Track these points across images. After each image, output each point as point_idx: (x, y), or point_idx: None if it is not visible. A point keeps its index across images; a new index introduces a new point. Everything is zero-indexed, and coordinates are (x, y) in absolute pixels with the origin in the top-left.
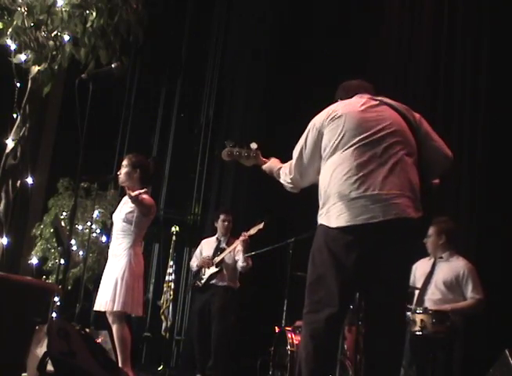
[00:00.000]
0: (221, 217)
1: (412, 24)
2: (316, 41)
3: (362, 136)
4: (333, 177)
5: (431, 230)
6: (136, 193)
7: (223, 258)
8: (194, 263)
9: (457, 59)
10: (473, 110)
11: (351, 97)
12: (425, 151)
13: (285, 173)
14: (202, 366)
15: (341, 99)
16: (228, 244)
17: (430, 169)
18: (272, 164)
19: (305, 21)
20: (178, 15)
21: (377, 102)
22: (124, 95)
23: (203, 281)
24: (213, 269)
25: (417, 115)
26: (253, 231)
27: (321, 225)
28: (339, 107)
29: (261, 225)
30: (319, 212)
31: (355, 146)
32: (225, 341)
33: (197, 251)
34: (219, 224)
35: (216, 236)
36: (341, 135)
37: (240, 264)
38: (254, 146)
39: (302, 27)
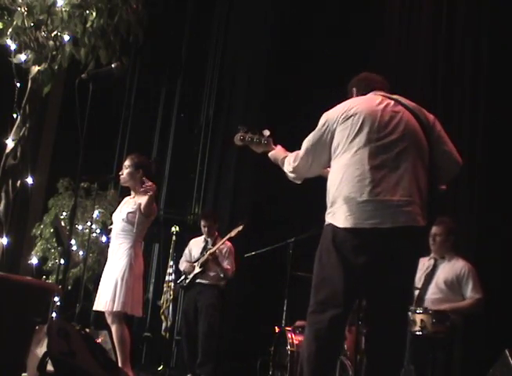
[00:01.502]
0: (202, 222)
1: (412, 24)
2: (316, 41)
3: (376, 137)
4: (345, 177)
5: (439, 230)
6: (149, 183)
7: (208, 259)
8: (182, 263)
9: (457, 59)
10: (473, 110)
11: (366, 93)
12: (436, 155)
13: (289, 162)
14: (190, 366)
15: (356, 92)
16: (215, 243)
17: (439, 174)
18: (277, 152)
19: (305, 21)
20: (178, 15)
21: (393, 102)
22: (124, 95)
23: (187, 280)
24: (197, 269)
25: (431, 117)
26: (233, 233)
27: (329, 224)
28: (355, 105)
29: (240, 228)
30: (328, 211)
31: (368, 148)
32: (211, 339)
33: (186, 251)
34: (202, 228)
35: (203, 236)
36: (355, 135)
37: (220, 274)
38: (266, 133)
39: (302, 27)
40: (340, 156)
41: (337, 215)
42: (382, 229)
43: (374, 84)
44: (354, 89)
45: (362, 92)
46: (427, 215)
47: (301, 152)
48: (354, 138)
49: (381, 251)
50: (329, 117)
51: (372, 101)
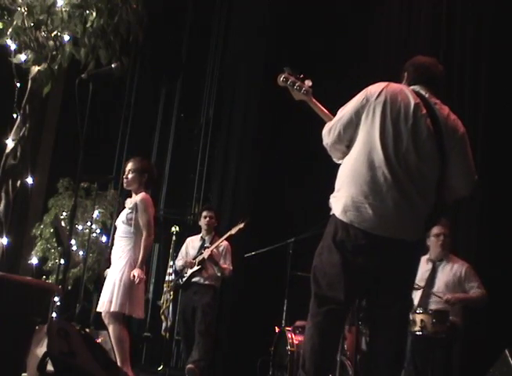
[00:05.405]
0: (204, 213)
1: (412, 24)
2: (316, 41)
3: (397, 148)
4: (357, 174)
5: (446, 230)
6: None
7: (205, 258)
8: (179, 262)
9: (456, 60)
10: (473, 110)
11: (413, 84)
12: (452, 176)
13: (324, 131)
14: None
15: (406, 78)
16: (212, 242)
17: (451, 193)
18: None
19: (304, 21)
20: (178, 15)
21: (425, 112)
22: (124, 95)
23: (184, 279)
24: (195, 267)
25: (460, 133)
26: (234, 231)
27: (333, 215)
28: (393, 97)
29: (241, 225)
30: (333, 194)
31: (386, 155)
32: (207, 338)
33: (183, 250)
34: (202, 221)
35: (201, 234)
36: (379, 135)
37: (217, 273)
38: (308, 83)
39: (301, 27)
40: (359, 149)
41: (339, 204)
42: (372, 234)
43: (426, 78)
44: (405, 74)
45: (410, 82)
46: (424, 229)
47: (332, 121)
48: (376, 137)
49: (376, 256)
50: (372, 91)
51: (409, 100)
